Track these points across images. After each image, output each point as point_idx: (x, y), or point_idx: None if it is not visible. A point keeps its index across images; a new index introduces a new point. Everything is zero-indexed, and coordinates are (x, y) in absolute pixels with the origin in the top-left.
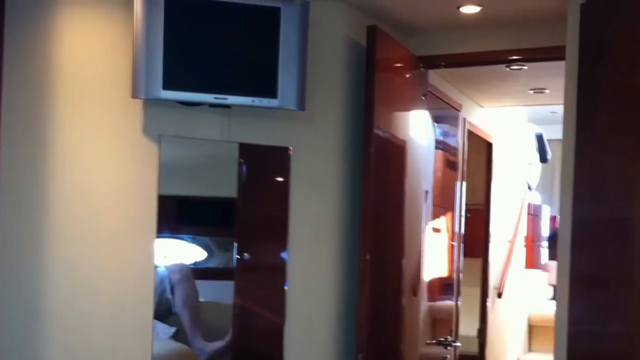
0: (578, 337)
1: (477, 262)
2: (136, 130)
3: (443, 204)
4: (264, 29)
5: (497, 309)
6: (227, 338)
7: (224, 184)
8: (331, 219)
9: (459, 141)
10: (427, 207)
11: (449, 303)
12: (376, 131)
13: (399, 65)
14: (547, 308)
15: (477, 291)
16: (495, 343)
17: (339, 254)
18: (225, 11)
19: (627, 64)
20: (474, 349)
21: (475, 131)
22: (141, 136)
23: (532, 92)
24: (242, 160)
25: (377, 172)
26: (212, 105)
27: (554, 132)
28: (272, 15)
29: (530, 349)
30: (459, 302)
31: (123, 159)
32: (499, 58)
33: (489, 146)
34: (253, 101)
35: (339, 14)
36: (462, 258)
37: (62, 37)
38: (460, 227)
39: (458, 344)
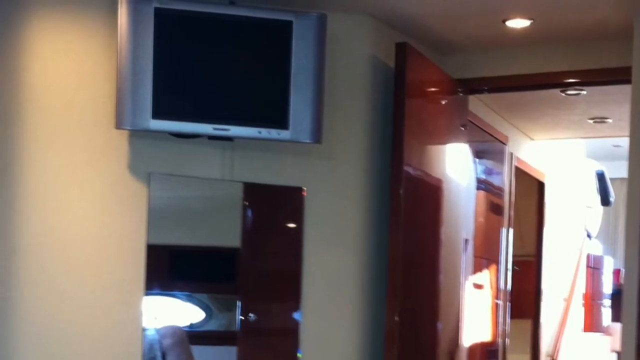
0: None
1: (527, 324)
2: (121, 167)
3: (486, 255)
4: (273, 47)
5: None
6: None
7: (225, 231)
8: (353, 273)
9: (505, 180)
10: (466, 258)
11: None
12: (406, 168)
13: (433, 89)
14: None
15: (527, 359)
16: None
17: (362, 315)
18: (227, 26)
19: None
20: None
21: (524, 168)
22: (127, 174)
23: (591, 121)
24: (247, 203)
25: (407, 217)
26: (211, 137)
27: (618, 169)
28: (282, 31)
29: None
30: None
31: (105, 201)
32: (552, 81)
33: (540, 186)
34: (260, 132)
35: (362, 29)
36: (508, 319)
37: (32, 56)
38: (507, 283)
39: None
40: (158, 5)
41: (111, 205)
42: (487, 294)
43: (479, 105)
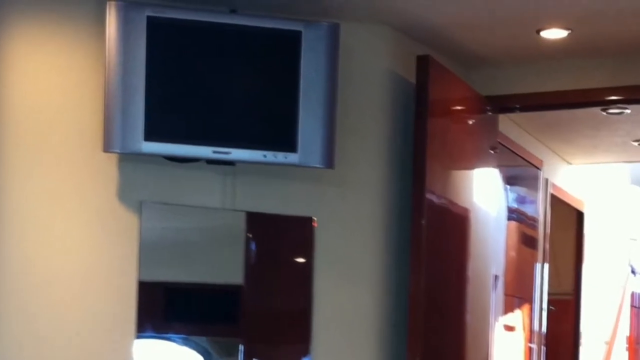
0: None
1: None
2: (109, 195)
3: (518, 293)
4: (280, 60)
5: None
6: None
7: (226, 267)
8: (369, 312)
9: (540, 209)
10: (496, 296)
11: None
12: (429, 196)
13: (459, 107)
14: None
15: None
16: None
17: None
18: (228, 37)
19: None
20: None
21: (560, 196)
22: (116, 202)
23: (636, 144)
24: (251, 235)
25: (430, 250)
26: (210, 161)
27: None
28: (290, 42)
29: None
30: None
31: (92, 233)
32: (592, 99)
33: (579, 216)
34: (265, 156)
35: (380, 40)
36: None
37: (11, 71)
38: (542, 324)
39: None
40: (151, 14)
41: (98, 237)
42: (519, 336)
43: (510, 125)
